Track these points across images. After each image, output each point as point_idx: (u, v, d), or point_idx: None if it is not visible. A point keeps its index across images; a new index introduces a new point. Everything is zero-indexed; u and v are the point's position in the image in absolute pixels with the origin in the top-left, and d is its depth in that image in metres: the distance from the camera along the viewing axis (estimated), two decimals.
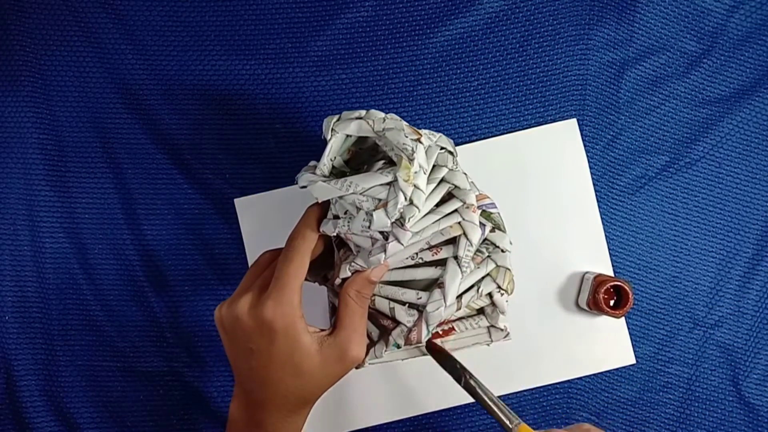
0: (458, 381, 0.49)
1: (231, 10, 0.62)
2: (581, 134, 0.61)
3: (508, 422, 0.45)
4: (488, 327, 0.52)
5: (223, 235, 0.61)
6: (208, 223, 0.61)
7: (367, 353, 0.49)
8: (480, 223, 0.46)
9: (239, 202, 0.60)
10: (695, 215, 0.61)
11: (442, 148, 0.46)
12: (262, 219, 0.60)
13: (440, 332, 0.51)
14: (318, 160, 0.46)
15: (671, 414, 0.60)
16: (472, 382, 0.49)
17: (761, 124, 0.62)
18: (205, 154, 0.61)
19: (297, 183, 0.46)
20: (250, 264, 0.60)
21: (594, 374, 0.60)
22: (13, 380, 0.60)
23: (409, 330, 0.47)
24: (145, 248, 0.61)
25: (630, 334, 0.60)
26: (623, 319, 0.60)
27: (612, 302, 0.57)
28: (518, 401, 0.60)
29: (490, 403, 0.47)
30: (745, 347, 0.60)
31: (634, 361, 0.60)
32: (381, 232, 0.44)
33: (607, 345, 0.60)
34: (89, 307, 0.61)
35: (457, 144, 0.61)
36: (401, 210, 0.42)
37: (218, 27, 0.62)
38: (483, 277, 0.49)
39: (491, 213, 0.49)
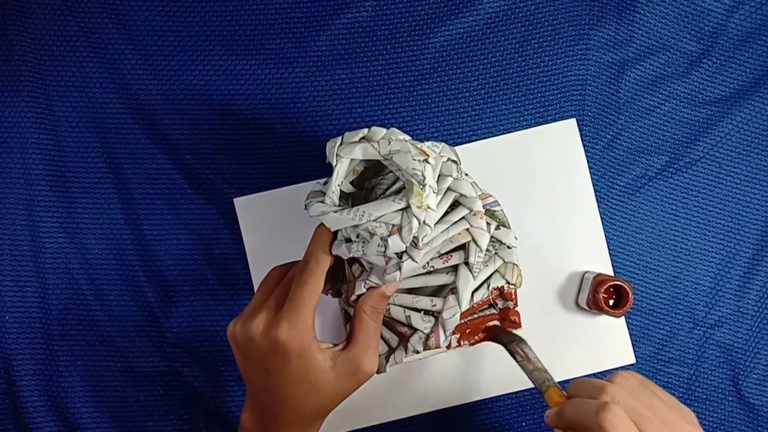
0: (504, 345, 0.50)
1: (231, 10, 0.62)
2: (581, 134, 0.61)
3: (541, 387, 0.46)
4: (500, 319, 0.53)
5: (223, 235, 0.61)
6: (208, 223, 0.61)
7: (387, 360, 0.50)
8: (486, 222, 0.46)
9: (239, 202, 0.60)
10: (695, 215, 0.61)
11: (446, 159, 0.47)
12: (262, 219, 0.60)
13: (454, 330, 0.52)
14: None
15: None
16: (516, 347, 0.49)
17: (761, 124, 0.62)
18: (205, 154, 0.61)
19: (306, 209, 0.46)
20: (250, 265, 0.60)
21: (594, 374, 0.60)
22: (13, 380, 0.60)
23: (427, 336, 0.48)
24: (145, 248, 0.61)
25: (630, 333, 0.60)
26: (623, 318, 0.60)
27: (612, 302, 0.57)
28: (518, 401, 0.60)
29: (525, 370, 0.48)
30: (745, 347, 0.60)
31: (634, 361, 0.60)
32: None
33: (607, 345, 0.60)
34: (89, 307, 0.61)
35: (456, 144, 0.61)
36: (415, 233, 0.42)
37: (218, 27, 0.62)
38: (492, 274, 0.50)
39: (495, 211, 0.50)
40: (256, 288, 0.59)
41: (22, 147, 0.61)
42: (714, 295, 0.61)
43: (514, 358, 0.49)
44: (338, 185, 0.45)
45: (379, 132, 0.45)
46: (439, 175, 0.46)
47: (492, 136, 0.61)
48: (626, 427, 0.36)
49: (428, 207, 0.42)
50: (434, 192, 0.43)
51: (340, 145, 0.45)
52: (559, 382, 0.59)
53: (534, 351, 0.49)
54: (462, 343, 0.53)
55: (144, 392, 0.61)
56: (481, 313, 0.53)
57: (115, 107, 0.62)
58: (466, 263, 0.47)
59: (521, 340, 0.51)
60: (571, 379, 0.60)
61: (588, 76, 0.61)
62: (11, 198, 0.61)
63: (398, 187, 0.49)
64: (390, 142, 0.44)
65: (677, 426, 0.38)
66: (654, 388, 0.41)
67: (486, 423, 0.60)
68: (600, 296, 0.55)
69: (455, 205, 0.47)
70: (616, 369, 0.60)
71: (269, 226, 0.60)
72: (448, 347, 0.54)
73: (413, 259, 0.43)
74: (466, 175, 0.48)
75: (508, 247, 0.50)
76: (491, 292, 0.51)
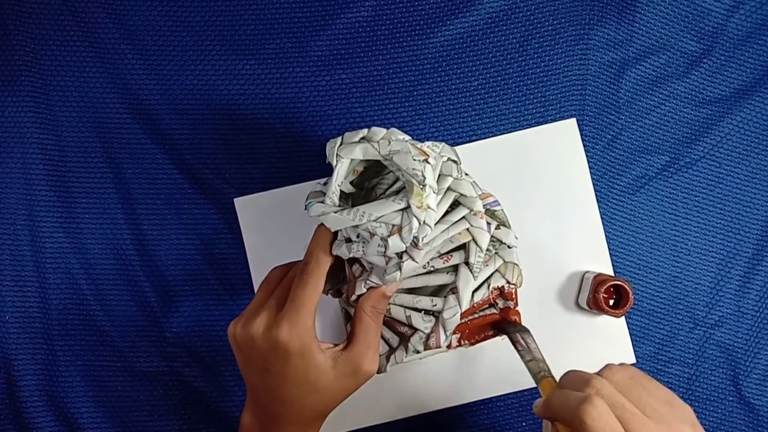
0: (507, 333, 0.51)
1: (231, 10, 0.62)
2: (581, 134, 0.61)
3: (536, 378, 0.46)
4: (500, 319, 0.53)
5: (223, 235, 0.61)
6: (208, 223, 0.61)
7: (388, 360, 0.50)
8: (486, 222, 0.46)
9: (239, 202, 0.60)
10: (695, 215, 0.61)
11: (446, 159, 0.47)
12: (262, 219, 0.60)
13: (454, 330, 0.52)
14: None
15: None
16: (518, 336, 0.49)
17: (761, 124, 0.62)
18: (205, 154, 0.61)
19: (306, 210, 0.46)
20: (250, 265, 0.60)
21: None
22: (13, 380, 0.60)
23: (428, 336, 0.48)
24: (145, 248, 0.61)
25: (630, 333, 0.60)
26: (623, 318, 0.60)
27: (612, 302, 0.57)
28: (518, 401, 0.60)
29: (523, 359, 0.47)
30: (745, 347, 0.60)
31: (634, 361, 0.60)
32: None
33: (607, 345, 0.60)
34: (89, 307, 0.61)
35: (457, 144, 0.61)
36: (415, 234, 0.42)
37: (218, 27, 0.62)
38: (492, 274, 0.50)
39: (495, 210, 0.50)
40: (256, 288, 0.59)
41: (22, 147, 0.61)
42: (714, 295, 0.61)
43: (515, 347, 0.49)
44: (338, 185, 0.45)
45: (379, 132, 0.45)
46: (439, 175, 0.46)
47: (492, 136, 0.61)
48: (607, 421, 0.36)
49: (428, 207, 0.42)
50: (434, 192, 0.43)
51: (340, 145, 0.45)
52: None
53: (536, 342, 0.49)
54: (462, 342, 0.53)
55: (144, 392, 0.61)
56: (481, 313, 0.53)
57: (115, 107, 0.62)
58: (467, 263, 0.47)
59: (524, 330, 0.50)
60: None
61: (588, 76, 0.61)
62: (11, 198, 0.61)
63: (398, 187, 0.49)
64: (390, 143, 0.44)
65: (666, 421, 0.37)
66: (646, 383, 0.39)
67: (486, 423, 0.60)
68: (600, 296, 0.55)
69: (455, 204, 0.47)
70: None
71: (269, 226, 0.60)
72: (449, 347, 0.54)
73: (413, 259, 0.43)
74: (466, 174, 0.48)
75: (509, 247, 0.50)
76: (491, 291, 0.51)
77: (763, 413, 0.60)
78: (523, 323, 0.55)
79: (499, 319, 0.53)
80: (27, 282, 0.61)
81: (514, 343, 0.49)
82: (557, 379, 0.44)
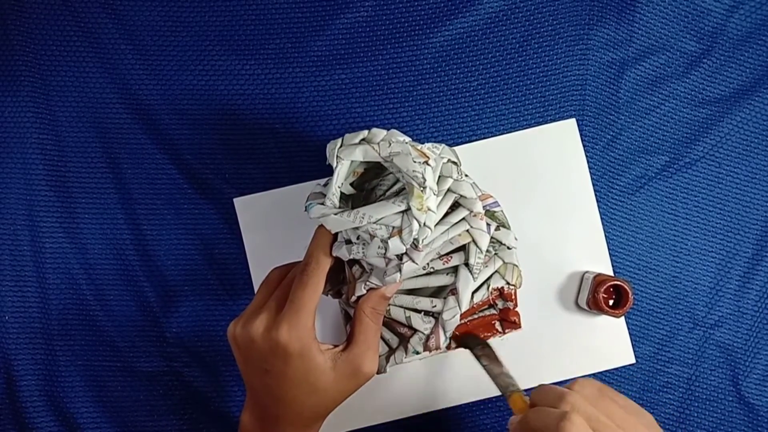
0: (470, 349, 0.51)
1: (231, 10, 0.62)
2: (581, 134, 0.61)
3: (505, 392, 0.47)
4: (500, 320, 0.53)
5: (223, 235, 0.61)
6: (208, 223, 0.61)
7: (387, 361, 0.50)
8: (486, 223, 0.46)
9: (239, 202, 0.60)
10: (695, 215, 0.61)
11: (446, 160, 0.47)
12: (262, 219, 0.60)
13: (455, 331, 0.52)
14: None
15: (671, 414, 0.60)
16: (481, 351, 0.50)
17: (761, 124, 0.62)
18: (205, 154, 0.61)
19: (306, 212, 0.46)
20: (250, 265, 0.60)
21: (594, 374, 0.60)
22: (13, 380, 0.60)
23: (428, 337, 0.48)
24: (145, 248, 0.61)
25: (630, 333, 0.60)
26: (623, 318, 0.60)
27: (612, 302, 0.57)
28: None
29: (490, 374, 0.48)
30: (745, 347, 0.60)
31: (633, 361, 0.60)
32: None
33: (607, 345, 0.60)
34: (89, 307, 0.61)
35: (456, 144, 0.61)
36: (415, 235, 0.42)
37: (218, 27, 0.62)
38: (492, 275, 0.50)
39: (495, 212, 0.50)
40: (256, 288, 0.59)
41: (22, 147, 0.61)
42: (714, 295, 0.61)
43: (480, 362, 0.49)
44: (338, 187, 0.45)
45: (380, 134, 0.45)
46: (439, 177, 0.46)
47: (492, 136, 0.61)
48: None
49: (428, 209, 0.42)
50: (434, 194, 0.43)
51: (341, 147, 0.45)
52: (558, 383, 0.60)
53: (500, 356, 0.50)
54: None
55: (144, 392, 0.61)
56: (481, 314, 0.53)
57: (115, 107, 0.62)
58: (466, 264, 0.47)
59: (486, 345, 0.51)
60: (571, 379, 0.60)
61: (588, 76, 0.61)
62: (11, 198, 0.61)
63: (398, 188, 0.49)
64: (390, 144, 0.44)
65: (635, 429, 0.39)
66: (612, 394, 0.42)
67: (486, 423, 0.60)
68: (600, 296, 0.55)
69: (455, 206, 0.47)
70: (617, 369, 0.60)
71: (269, 226, 0.60)
72: (448, 348, 0.54)
73: (413, 261, 0.44)
74: (466, 176, 0.48)
75: (508, 248, 0.50)
76: (491, 292, 0.51)
77: (763, 413, 0.60)
78: (523, 324, 0.55)
79: (463, 333, 0.53)
80: (27, 282, 0.61)
81: (478, 358, 0.50)
82: (523, 392, 0.45)
